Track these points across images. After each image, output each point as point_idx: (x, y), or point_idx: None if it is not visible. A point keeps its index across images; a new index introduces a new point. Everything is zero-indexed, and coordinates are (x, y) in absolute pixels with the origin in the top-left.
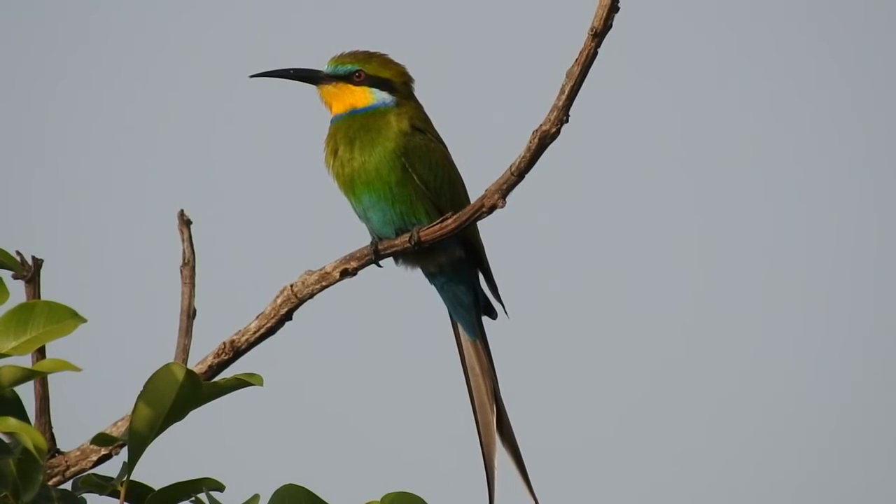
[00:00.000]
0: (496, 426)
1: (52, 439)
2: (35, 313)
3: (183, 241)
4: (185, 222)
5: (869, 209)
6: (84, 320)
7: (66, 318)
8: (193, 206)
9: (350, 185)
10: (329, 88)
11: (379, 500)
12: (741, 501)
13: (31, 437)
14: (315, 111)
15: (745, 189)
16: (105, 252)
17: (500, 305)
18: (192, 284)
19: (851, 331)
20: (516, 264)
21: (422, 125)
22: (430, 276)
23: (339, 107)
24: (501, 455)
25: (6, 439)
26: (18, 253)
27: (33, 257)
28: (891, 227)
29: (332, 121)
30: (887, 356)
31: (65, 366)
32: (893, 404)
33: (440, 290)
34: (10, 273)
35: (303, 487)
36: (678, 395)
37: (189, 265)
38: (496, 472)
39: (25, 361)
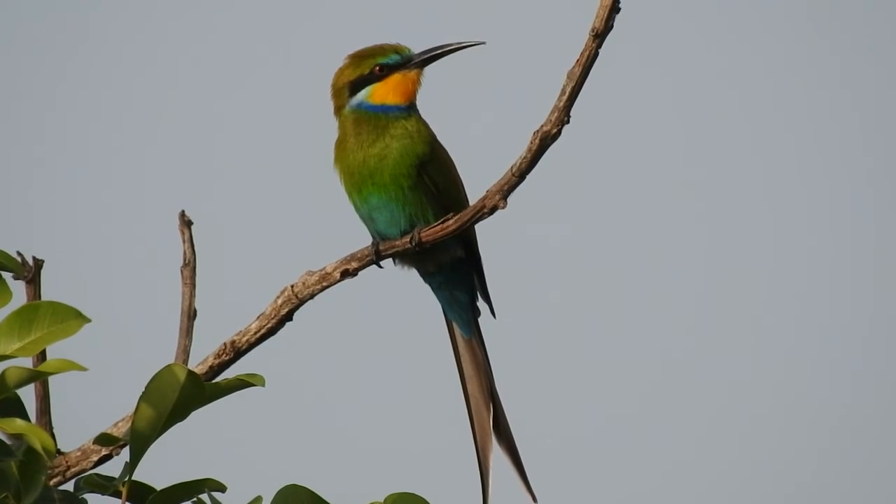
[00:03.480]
0: (492, 425)
1: (53, 439)
2: (39, 314)
3: (184, 241)
4: (186, 223)
5: (869, 208)
6: (88, 320)
7: (71, 318)
8: (194, 207)
9: (360, 184)
10: (421, 76)
11: (382, 500)
12: (739, 502)
13: (39, 439)
14: (314, 112)
15: (747, 189)
16: (106, 252)
17: (488, 306)
18: (193, 285)
19: (852, 330)
20: (516, 264)
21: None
22: (428, 276)
23: (411, 97)
24: (497, 454)
25: (8, 440)
26: (19, 253)
27: (34, 258)
28: (891, 224)
29: (376, 108)
30: (888, 356)
31: (70, 366)
32: (894, 404)
33: (437, 289)
34: (11, 274)
35: (305, 488)
36: (676, 394)
37: (190, 266)
38: (491, 472)
39: (26, 362)
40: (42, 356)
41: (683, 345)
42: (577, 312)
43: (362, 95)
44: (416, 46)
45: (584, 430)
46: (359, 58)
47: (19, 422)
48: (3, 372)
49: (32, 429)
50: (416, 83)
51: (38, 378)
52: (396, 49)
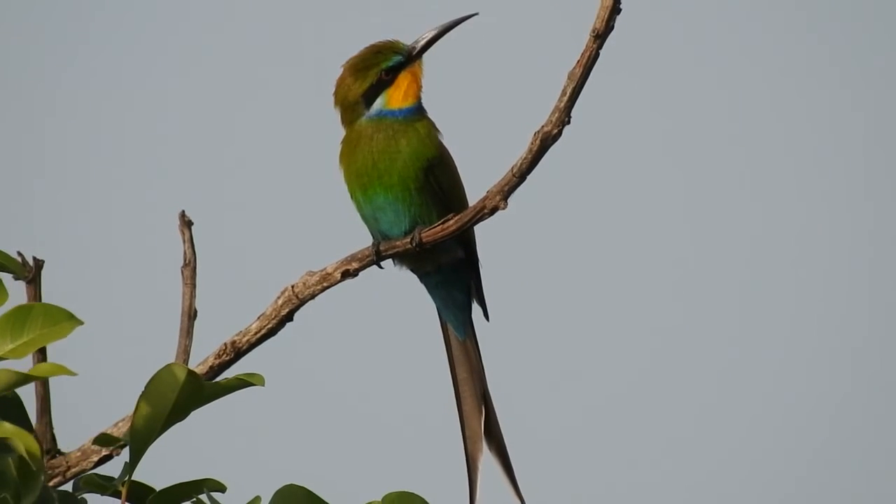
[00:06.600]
0: (483, 429)
1: (53, 440)
2: (32, 315)
3: (184, 241)
4: (187, 223)
5: (865, 208)
6: (81, 323)
7: (63, 320)
8: (194, 207)
9: (367, 184)
10: (422, 65)
11: (380, 499)
12: (731, 501)
13: (24, 442)
14: (314, 112)
15: (746, 188)
16: (106, 253)
17: (482, 309)
18: (193, 285)
19: (845, 326)
20: (511, 264)
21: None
22: (426, 276)
23: (419, 94)
24: (487, 457)
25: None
26: (20, 254)
27: (34, 258)
28: (886, 223)
29: (395, 112)
30: (884, 347)
31: (61, 370)
32: (890, 398)
33: (433, 289)
34: (11, 274)
35: (303, 487)
36: (665, 398)
37: (190, 266)
38: (479, 476)
39: (27, 362)
40: (42, 357)
41: (679, 353)
42: (573, 315)
43: (380, 104)
44: (407, 39)
45: (574, 434)
46: (362, 69)
47: (7, 425)
48: None
49: (18, 433)
50: (421, 76)
51: (27, 381)
52: (394, 49)
